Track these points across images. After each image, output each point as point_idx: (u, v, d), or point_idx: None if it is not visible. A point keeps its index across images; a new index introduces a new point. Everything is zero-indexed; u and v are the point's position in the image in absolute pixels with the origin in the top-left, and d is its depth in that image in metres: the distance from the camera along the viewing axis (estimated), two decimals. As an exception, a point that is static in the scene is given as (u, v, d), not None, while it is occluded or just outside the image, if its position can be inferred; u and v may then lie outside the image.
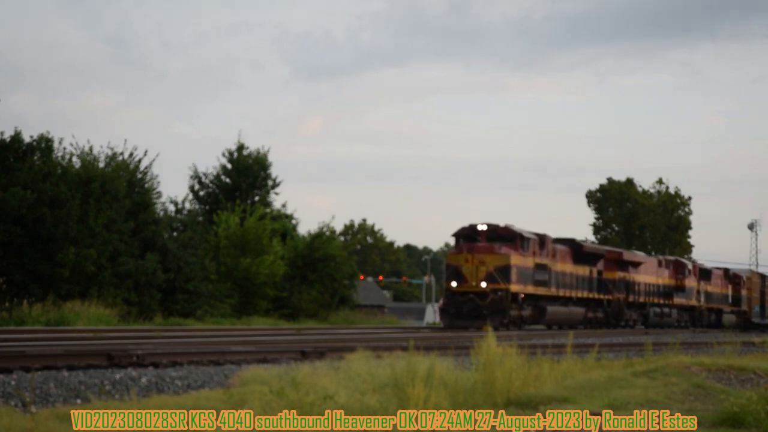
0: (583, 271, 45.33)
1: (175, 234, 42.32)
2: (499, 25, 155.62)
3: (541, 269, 40.65)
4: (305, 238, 50.74)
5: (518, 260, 38.71)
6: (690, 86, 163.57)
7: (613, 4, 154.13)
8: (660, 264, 54.94)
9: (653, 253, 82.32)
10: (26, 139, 35.76)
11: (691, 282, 58.20)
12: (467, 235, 39.42)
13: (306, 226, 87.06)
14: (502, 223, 39.52)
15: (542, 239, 41.07)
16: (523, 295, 39.11)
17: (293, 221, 53.78)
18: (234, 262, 44.56)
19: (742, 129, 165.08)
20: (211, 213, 48.55)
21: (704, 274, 61.95)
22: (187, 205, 48.48)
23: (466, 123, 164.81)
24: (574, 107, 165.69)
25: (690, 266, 58.57)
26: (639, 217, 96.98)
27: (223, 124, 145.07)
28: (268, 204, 51.21)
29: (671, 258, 58.38)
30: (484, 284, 37.67)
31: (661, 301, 54.16)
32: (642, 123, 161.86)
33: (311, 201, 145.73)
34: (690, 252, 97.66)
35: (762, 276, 74.72)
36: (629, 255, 51.36)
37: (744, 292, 69.02)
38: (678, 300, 56.38)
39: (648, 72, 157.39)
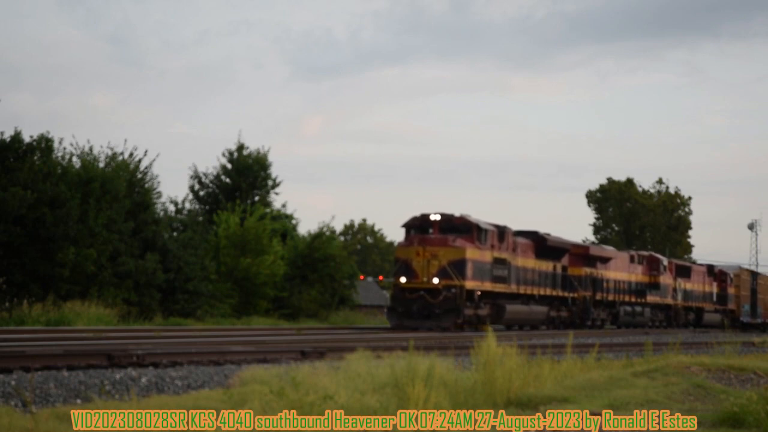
0: (546, 266, 42.17)
1: (175, 234, 42.31)
2: (500, 24, 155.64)
3: (500, 264, 37.38)
4: (305, 238, 50.74)
5: (474, 254, 35.43)
6: (692, 86, 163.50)
7: (614, 3, 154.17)
8: (632, 260, 52.02)
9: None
10: (26, 139, 35.75)
11: (666, 279, 55.18)
12: (419, 226, 36.05)
13: (306, 226, 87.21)
14: (457, 213, 36.25)
15: (502, 231, 37.92)
16: (479, 293, 35.88)
17: (293, 221, 53.81)
18: (234, 262, 44.55)
19: (743, 128, 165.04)
20: (211, 213, 48.56)
21: (682, 270, 58.97)
22: (187, 205, 48.54)
23: (466, 123, 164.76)
24: (575, 107, 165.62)
25: (665, 262, 55.49)
26: (639, 217, 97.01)
27: (223, 124, 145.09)
28: (268, 204, 51.21)
29: (645, 253, 55.29)
30: (436, 280, 34.41)
31: (633, 300, 51.00)
32: (643, 123, 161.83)
33: (311, 201, 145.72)
34: (690, 252, 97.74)
35: (753, 273, 71.82)
36: (596, 250, 48.71)
37: (731, 290, 66.01)
38: (652, 298, 53.10)
39: (650, 71, 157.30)
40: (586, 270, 45.78)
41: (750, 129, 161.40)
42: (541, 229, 43.19)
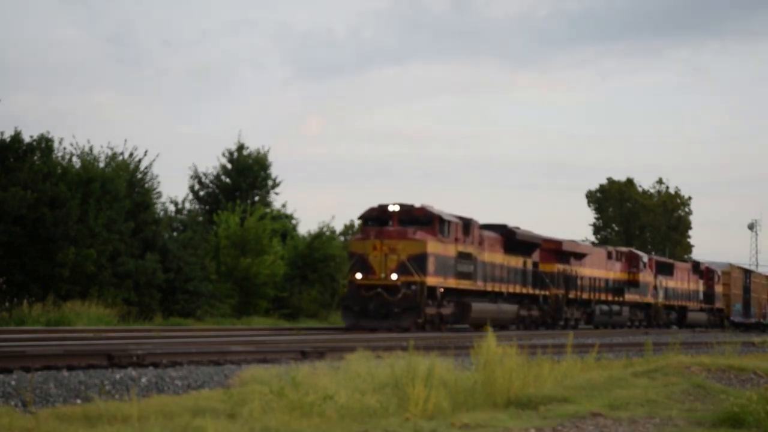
0: (515, 262, 39.56)
1: (175, 234, 42.34)
2: (501, 23, 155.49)
3: (464, 259, 34.85)
4: (305, 238, 50.77)
5: (437, 248, 32.91)
6: (693, 85, 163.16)
7: (616, 2, 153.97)
8: (610, 256, 49.56)
9: (653, 252, 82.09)
10: (26, 139, 35.82)
11: (646, 276, 52.80)
12: (376, 218, 33.38)
13: (306, 226, 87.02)
14: (418, 204, 33.60)
15: (467, 224, 35.26)
16: (442, 290, 33.33)
17: (293, 221, 53.85)
18: (234, 262, 44.58)
19: (744, 128, 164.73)
20: (211, 213, 48.58)
21: (664, 267, 56.36)
22: (187, 205, 48.56)
23: (467, 122, 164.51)
24: (576, 106, 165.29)
25: (645, 259, 53.05)
26: (639, 217, 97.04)
27: (223, 124, 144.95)
28: (268, 204, 51.25)
29: (624, 249, 52.88)
30: (394, 276, 31.78)
31: (610, 298, 48.46)
32: (644, 122, 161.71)
33: (312, 201, 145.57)
34: (690, 252, 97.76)
35: (746, 271, 69.57)
36: (570, 245, 45.49)
37: (719, 289, 63.79)
38: (630, 296, 50.62)
39: (651, 71, 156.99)
40: (559, 266, 43.42)
41: (751, 128, 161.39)
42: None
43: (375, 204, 33.85)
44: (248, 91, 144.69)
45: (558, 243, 43.86)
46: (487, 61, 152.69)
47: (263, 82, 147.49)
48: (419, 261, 32.06)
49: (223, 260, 44.61)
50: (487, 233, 37.54)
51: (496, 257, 37.94)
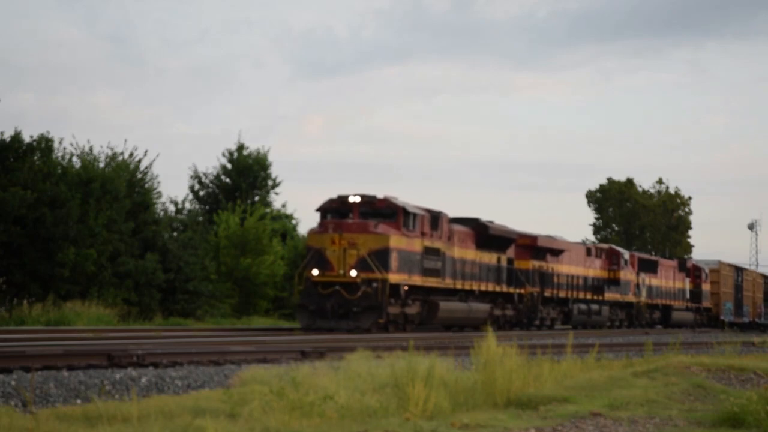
0: (489, 258, 37.29)
1: (175, 234, 42.33)
2: (501, 23, 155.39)
3: (432, 254, 32.63)
4: (305, 238, 50.74)
5: (401, 242, 30.70)
6: (694, 85, 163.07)
7: (617, 1, 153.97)
8: (589, 253, 47.76)
9: (653, 252, 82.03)
10: (26, 139, 35.83)
11: (628, 274, 50.95)
12: (336, 210, 31.36)
13: (306, 225, 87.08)
14: (380, 194, 31.42)
15: (435, 217, 32.91)
16: (406, 288, 31.09)
17: (293, 221, 53.88)
18: (234, 262, 44.59)
19: (744, 128, 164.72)
20: (211, 213, 48.61)
21: (647, 265, 54.30)
22: (188, 205, 48.57)
23: (468, 122, 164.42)
24: (576, 106, 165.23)
25: (627, 256, 51.14)
26: (639, 217, 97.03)
27: (223, 124, 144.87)
28: (268, 204, 51.28)
29: (604, 246, 50.98)
30: (353, 273, 29.55)
31: (589, 296, 46.37)
32: (644, 122, 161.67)
33: (312, 201, 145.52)
34: (690, 252, 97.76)
35: (737, 269, 67.55)
36: (546, 241, 43.02)
37: (706, 287, 61.92)
38: (610, 295, 48.72)
39: (652, 71, 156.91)
40: (534, 263, 41.27)
41: (751, 129, 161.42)
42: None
43: (335, 195, 31.92)
44: (248, 91, 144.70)
45: (533, 238, 41.67)
46: (487, 61, 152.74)
47: (263, 82, 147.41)
48: (381, 256, 29.85)
49: (223, 260, 44.61)
50: (457, 227, 35.33)
51: (468, 253, 35.75)
